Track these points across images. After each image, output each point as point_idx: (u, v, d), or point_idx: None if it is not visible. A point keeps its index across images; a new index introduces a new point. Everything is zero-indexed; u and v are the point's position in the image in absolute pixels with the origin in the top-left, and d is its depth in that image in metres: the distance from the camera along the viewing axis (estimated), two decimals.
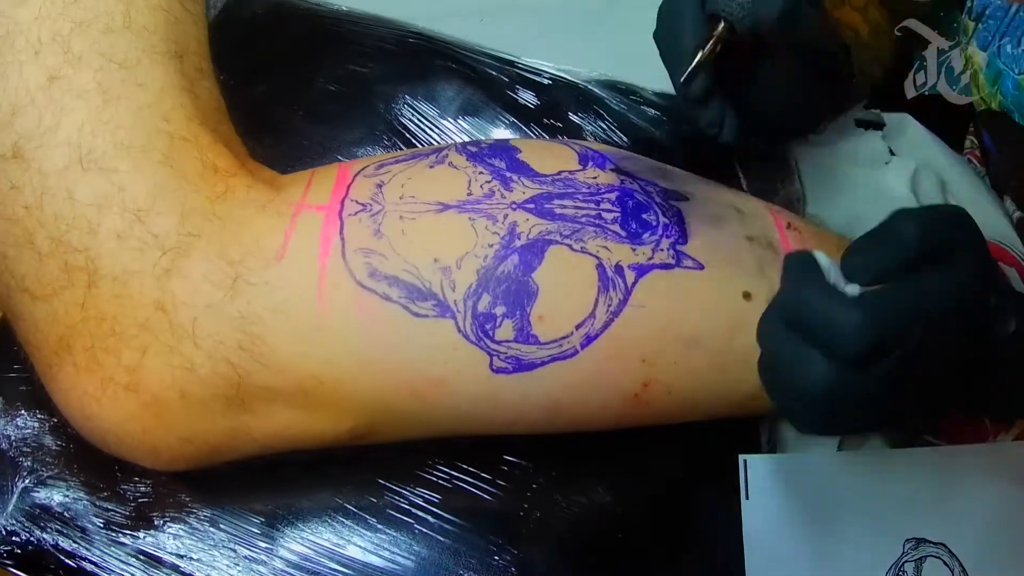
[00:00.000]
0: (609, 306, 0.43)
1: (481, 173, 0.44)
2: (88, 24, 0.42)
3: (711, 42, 0.43)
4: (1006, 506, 0.49)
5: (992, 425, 0.52)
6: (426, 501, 0.50)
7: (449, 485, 0.50)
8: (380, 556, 0.49)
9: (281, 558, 0.48)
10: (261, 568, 0.48)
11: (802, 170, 0.60)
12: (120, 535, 0.48)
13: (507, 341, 0.42)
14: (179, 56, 0.44)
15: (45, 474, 0.49)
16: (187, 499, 0.49)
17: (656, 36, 0.47)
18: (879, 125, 0.62)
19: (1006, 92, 0.48)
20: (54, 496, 0.49)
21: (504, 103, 0.60)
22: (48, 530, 0.48)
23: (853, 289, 0.36)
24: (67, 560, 0.48)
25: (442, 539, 0.49)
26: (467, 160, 0.45)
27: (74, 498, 0.49)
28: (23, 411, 0.51)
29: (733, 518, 0.47)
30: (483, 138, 0.60)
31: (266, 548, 0.48)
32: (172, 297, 0.40)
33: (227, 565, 0.48)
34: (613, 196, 0.45)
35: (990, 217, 0.58)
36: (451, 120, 0.60)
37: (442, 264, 0.42)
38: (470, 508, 0.50)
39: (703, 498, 0.52)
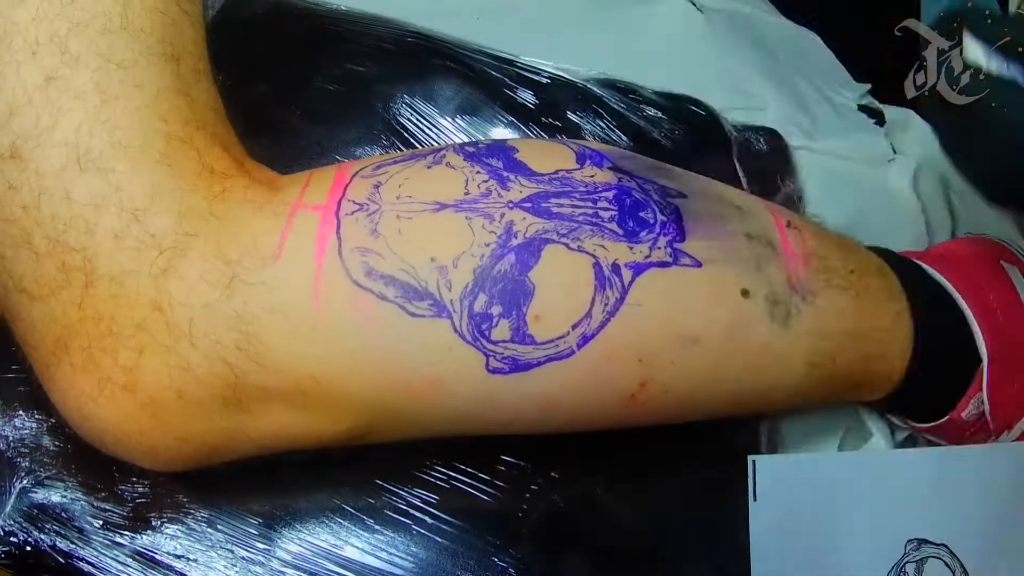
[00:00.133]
0: (606, 305, 0.42)
1: (478, 172, 0.44)
2: (86, 25, 0.41)
3: None
4: (1008, 507, 0.49)
5: (994, 426, 0.52)
6: (424, 502, 0.50)
7: (447, 486, 0.50)
8: (378, 557, 0.49)
9: (279, 559, 0.48)
10: (258, 569, 0.48)
11: (802, 168, 0.60)
12: (117, 536, 0.48)
13: (503, 341, 0.41)
14: (176, 59, 0.44)
15: (43, 475, 0.49)
16: (184, 500, 0.49)
17: None
18: (880, 114, 0.62)
19: None
20: (52, 497, 0.49)
21: (503, 102, 0.60)
22: (46, 531, 0.48)
23: None
24: (64, 560, 0.48)
25: (440, 540, 0.49)
26: (464, 160, 0.45)
27: (72, 499, 0.49)
28: (21, 411, 0.51)
29: (733, 518, 0.47)
30: (482, 137, 0.59)
31: (264, 549, 0.48)
32: (169, 297, 0.40)
33: (224, 566, 0.48)
34: (610, 194, 0.45)
35: (992, 216, 0.58)
36: (450, 119, 0.60)
37: (439, 263, 0.41)
38: (468, 509, 0.50)
39: (703, 498, 0.52)
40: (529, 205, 0.44)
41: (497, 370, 0.42)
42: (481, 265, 0.42)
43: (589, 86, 0.61)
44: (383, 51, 0.62)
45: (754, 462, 0.47)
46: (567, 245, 0.43)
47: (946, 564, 0.47)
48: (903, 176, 0.60)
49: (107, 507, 0.49)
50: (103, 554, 0.48)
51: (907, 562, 0.47)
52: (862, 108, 0.63)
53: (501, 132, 0.60)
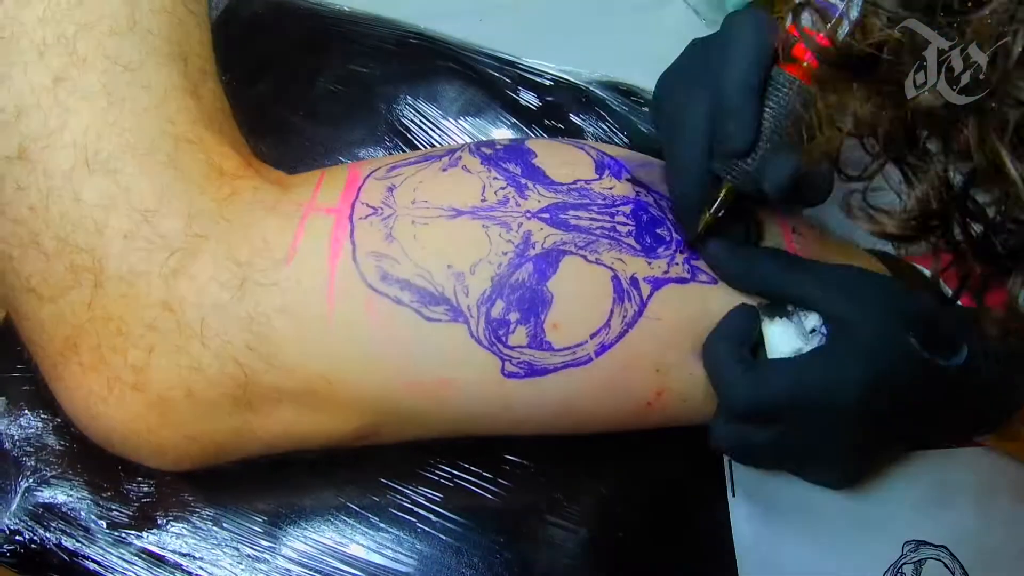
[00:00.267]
0: (624, 317, 0.43)
1: (496, 179, 0.45)
2: (92, 26, 0.41)
3: (716, 205, 0.43)
4: (1008, 509, 0.49)
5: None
6: (428, 500, 0.50)
7: (451, 484, 0.50)
8: (382, 555, 0.49)
9: (284, 557, 0.49)
10: (264, 567, 0.48)
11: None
12: (123, 534, 0.48)
13: (520, 347, 0.42)
14: (183, 59, 0.44)
15: (48, 474, 0.49)
16: (190, 498, 0.49)
17: (662, 140, 0.47)
18: None
19: None
20: (57, 496, 0.49)
21: (506, 104, 0.61)
22: (51, 529, 0.48)
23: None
24: (70, 559, 0.48)
25: (444, 538, 0.49)
26: (481, 164, 0.45)
27: (77, 498, 0.49)
28: (27, 411, 0.51)
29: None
30: (485, 139, 0.60)
31: (269, 547, 0.49)
32: (180, 297, 0.40)
33: (230, 564, 0.48)
34: (628, 209, 0.46)
35: None
36: (452, 121, 0.60)
37: (455, 270, 0.42)
38: (472, 507, 0.50)
39: (705, 498, 0.52)
40: (547, 216, 0.44)
41: (513, 374, 0.42)
42: (499, 273, 0.42)
43: (591, 88, 0.62)
44: (386, 52, 0.62)
45: (730, 460, 0.47)
46: (585, 257, 0.43)
47: (946, 566, 0.48)
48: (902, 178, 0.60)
49: (113, 506, 0.49)
50: (108, 552, 0.48)
51: (904, 563, 0.48)
52: None
53: (504, 133, 0.60)
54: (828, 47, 0.35)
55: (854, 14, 0.36)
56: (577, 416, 0.45)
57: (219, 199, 0.42)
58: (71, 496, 0.49)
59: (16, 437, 0.50)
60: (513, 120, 0.60)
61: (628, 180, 0.47)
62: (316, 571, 0.48)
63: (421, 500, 0.50)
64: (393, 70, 0.62)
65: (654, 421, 0.47)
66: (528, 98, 0.61)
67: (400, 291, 0.41)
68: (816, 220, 0.59)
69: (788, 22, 0.40)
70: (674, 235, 0.46)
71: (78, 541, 0.48)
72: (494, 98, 0.61)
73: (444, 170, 0.45)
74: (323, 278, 0.41)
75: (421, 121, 0.60)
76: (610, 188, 0.46)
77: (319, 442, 0.45)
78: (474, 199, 0.44)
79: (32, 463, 0.50)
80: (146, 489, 0.49)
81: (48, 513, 0.49)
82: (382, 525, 0.49)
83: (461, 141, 0.60)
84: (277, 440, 0.44)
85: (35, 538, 0.48)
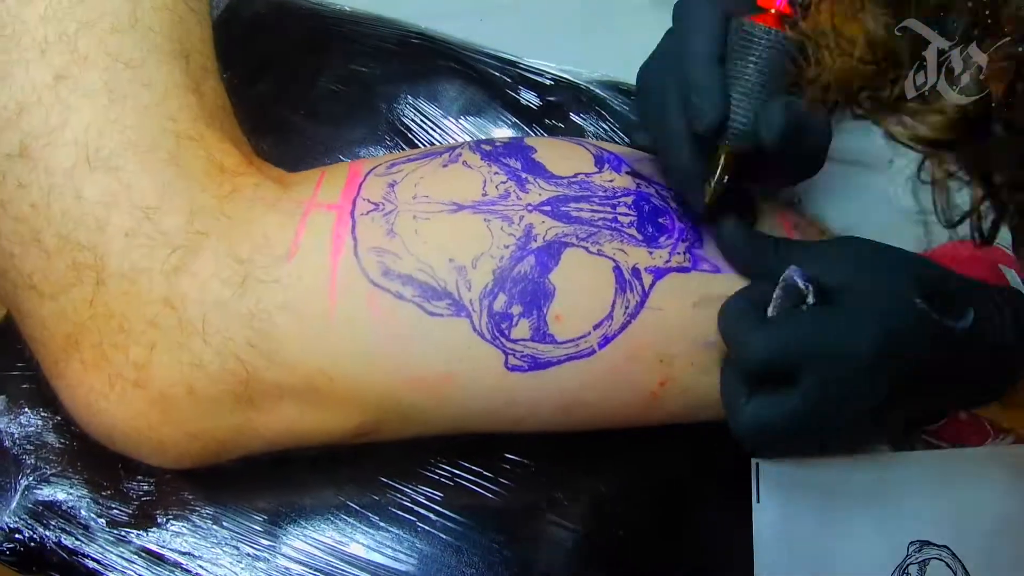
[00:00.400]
0: (627, 308, 0.43)
1: (496, 173, 0.45)
2: (94, 24, 0.42)
3: (718, 173, 0.42)
4: (1009, 508, 0.49)
5: (992, 428, 0.52)
6: (428, 499, 0.50)
7: (451, 483, 0.50)
8: (382, 554, 0.49)
9: (284, 555, 0.48)
10: (264, 565, 0.48)
11: None
12: (123, 533, 0.48)
13: (523, 340, 0.42)
14: (184, 56, 0.44)
15: (48, 472, 0.49)
16: (190, 497, 0.49)
17: (651, 128, 0.47)
18: None
19: None
20: (57, 494, 0.49)
21: (506, 103, 0.61)
22: (51, 528, 0.48)
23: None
24: (70, 558, 0.48)
25: (444, 537, 0.49)
26: (482, 160, 0.46)
27: (77, 496, 0.49)
28: (26, 409, 0.51)
29: (736, 517, 0.47)
30: (486, 138, 0.60)
31: (269, 546, 0.49)
32: (181, 294, 0.40)
33: (230, 563, 0.48)
34: (629, 200, 0.46)
35: None
36: (453, 120, 0.60)
37: (457, 264, 0.42)
38: (472, 506, 0.50)
39: (706, 497, 0.52)
40: (548, 208, 0.44)
41: (516, 367, 0.42)
42: (501, 266, 0.42)
43: (592, 87, 0.62)
44: (387, 52, 0.62)
45: (757, 465, 0.47)
46: (587, 249, 0.43)
47: (948, 565, 0.48)
48: (902, 179, 0.60)
49: (112, 504, 0.49)
50: (108, 551, 0.48)
51: (910, 563, 0.48)
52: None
53: (505, 133, 0.60)
54: None
55: None
56: (580, 410, 0.45)
57: (220, 196, 0.42)
58: (71, 494, 0.49)
59: (16, 435, 0.50)
60: (514, 119, 0.60)
61: (628, 172, 0.47)
62: (316, 570, 0.48)
63: (421, 499, 0.50)
64: (394, 70, 0.62)
65: (657, 415, 0.47)
66: (529, 97, 0.61)
67: (402, 286, 0.42)
68: (817, 216, 0.59)
69: None
70: (676, 224, 0.46)
71: (78, 539, 0.48)
72: (494, 97, 0.61)
73: (445, 166, 0.45)
74: (325, 274, 0.41)
75: (422, 120, 0.60)
76: (611, 180, 0.46)
77: (320, 439, 0.45)
78: (475, 194, 0.44)
79: (32, 461, 0.50)
80: (146, 487, 0.49)
81: (48, 511, 0.49)
82: (382, 524, 0.49)
83: (462, 140, 0.60)
84: (278, 437, 0.44)
85: (35, 536, 0.48)
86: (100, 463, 0.49)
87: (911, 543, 0.48)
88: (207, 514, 0.49)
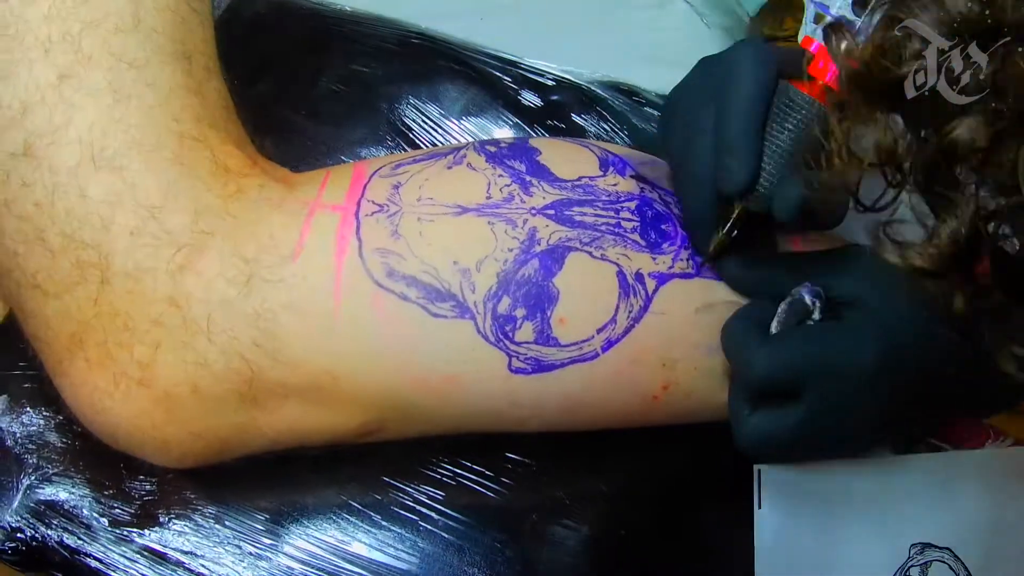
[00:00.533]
0: (630, 312, 0.43)
1: (500, 176, 0.45)
2: (98, 24, 0.42)
3: (728, 226, 0.43)
4: (1010, 510, 0.49)
5: (993, 433, 0.52)
6: (430, 498, 0.50)
7: (453, 482, 0.50)
8: (385, 553, 0.49)
9: (286, 554, 0.49)
10: (266, 564, 0.48)
11: None
12: (125, 532, 0.48)
13: (527, 343, 0.42)
14: (187, 57, 0.44)
15: (50, 471, 0.49)
16: (192, 496, 0.49)
17: (673, 168, 0.47)
18: None
19: None
20: (59, 493, 0.49)
21: (507, 104, 0.61)
22: (53, 527, 0.48)
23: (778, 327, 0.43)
24: (71, 557, 0.48)
25: (446, 536, 0.49)
26: (486, 161, 0.46)
27: (79, 495, 0.49)
28: (28, 408, 0.51)
29: (737, 517, 0.48)
30: (489, 138, 0.60)
31: (271, 545, 0.49)
32: (186, 293, 0.40)
33: (232, 562, 0.48)
34: (632, 205, 0.46)
35: None
36: (455, 121, 0.60)
37: (461, 266, 0.42)
38: (474, 505, 0.50)
39: (708, 496, 0.52)
40: (552, 212, 0.44)
41: (520, 370, 0.43)
42: (504, 269, 0.42)
43: (593, 88, 0.62)
44: (388, 52, 0.62)
45: (759, 471, 0.47)
46: (590, 253, 0.44)
47: (950, 567, 0.48)
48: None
49: (114, 504, 0.49)
50: (110, 550, 0.48)
51: (912, 565, 0.48)
52: None
53: (506, 133, 0.60)
54: (858, 70, 0.34)
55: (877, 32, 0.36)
56: (583, 412, 0.45)
57: (225, 196, 0.42)
58: (73, 494, 0.49)
59: (18, 434, 0.50)
60: (515, 120, 0.60)
61: (632, 177, 0.47)
62: (318, 569, 0.48)
63: (423, 498, 0.50)
64: (395, 70, 0.62)
65: (659, 417, 0.47)
66: (530, 98, 0.61)
67: (406, 287, 0.42)
68: None
69: (802, 36, 0.40)
70: (679, 230, 0.46)
71: (80, 539, 0.48)
72: (496, 98, 0.61)
73: (449, 168, 0.45)
74: (329, 275, 0.41)
75: (423, 121, 0.60)
76: (614, 184, 0.46)
77: (324, 438, 0.45)
78: (479, 196, 0.44)
79: (34, 460, 0.50)
80: (148, 487, 0.49)
81: (50, 511, 0.49)
82: (384, 523, 0.49)
83: (463, 141, 0.60)
84: (282, 436, 0.44)
85: (37, 535, 0.48)
86: (102, 462, 0.49)
87: (913, 545, 0.48)
88: (209, 513, 0.49)
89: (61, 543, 0.48)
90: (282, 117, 0.60)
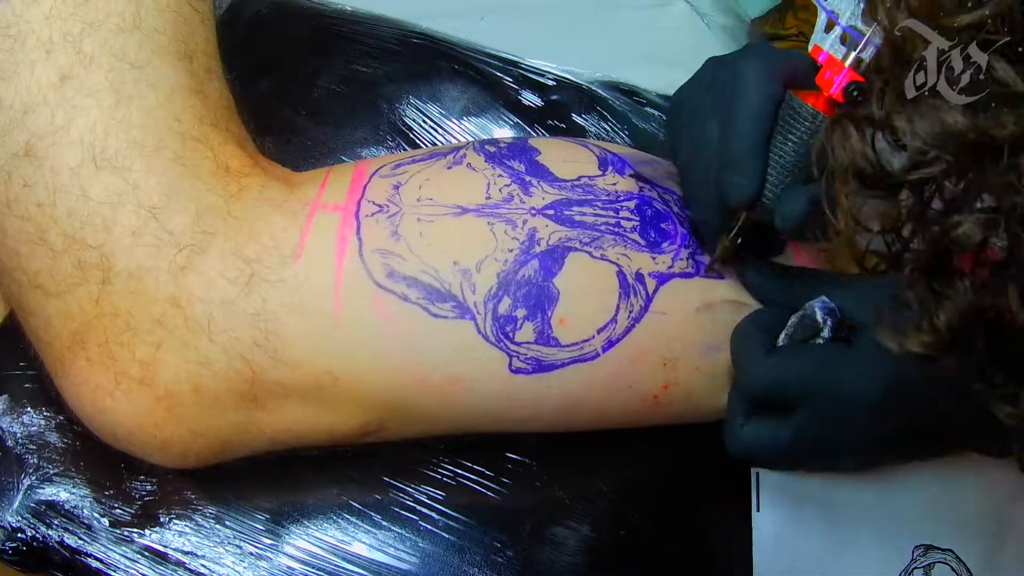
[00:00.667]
0: (631, 312, 0.43)
1: (500, 176, 0.45)
2: (99, 25, 0.42)
3: (733, 233, 0.44)
4: (1012, 510, 0.49)
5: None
6: (430, 498, 0.50)
7: (453, 483, 0.51)
8: (385, 553, 0.49)
9: (286, 554, 0.49)
10: (266, 564, 0.48)
11: None
12: (125, 532, 0.48)
13: (527, 343, 0.42)
14: (189, 57, 0.44)
15: (51, 471, 0.49)
16: (192, 496, 0.49)
17: (682, 176, 0.47)
18: None
19: None
20: (59, 493, 0.49)
21: (508, 104, 0.61)
22: (53, 527, 0.48)
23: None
24: (72, 557, 0.48)
25: (446, 536, 0.49)
26: (486, 161, 0.46)
27: (80, 495, 0.49)
28: (29, 408, 0.51)
29: (737, 517, 0.48)
30: (489, 138, 0.60)
31: (271, 545, 0.49)
32: (188, 293, 0.40)
33: (232, 562, 0.48)
34: (632, 204, 0.46)
35: None
36: (455, 120, 0.60)
37: (462, 267, 0.42)
38: (474, 505, 0.50)
39: (708, 496, 0.52)
40: (552, 212, 0.44)
41: (520, 370, 0.43)
42: (505, 270, 0.42)
43: (593, 88, 0.62)
44: (388, 52, 0.62)
45: (757, 475, 0.48)
46: (590, 253, 0.44)
47: (952, 569, 0.48)
48: None
49: (115, 504, 0.49)
50: (111, 550, 0.48)
51: (915, 567, 0.48)
52: None
53: (506, 133, 0.60)
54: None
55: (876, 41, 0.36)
56: (583, 412, 0.45)
57: (227, 196, 0.42)
58: (73, 494, 0.49)
59: (18, 434, 0.50)
60: (516, 120, 0.60)
61: (632, 176, 0.47)
62: (318, 569, 0.48)
63: (423, 498, 0.50)
64: (395, 70, 0.62)
65: (659, 418, 0.47)
66: (530, 98, 0.61)
67: (407, 288, 0.42)
68: None
69: (812, 45, 0.40)
70: (679, 229, 0.46)
71: (80, 539, 0.48)
72: (496, 98, 0.61)
73: (449, 168, 0.46)
74: (330, 275, 0.41)
75: (423, 121, 0.60)
76: (614, 184, 0.46)
77: (324, 438, 0.45)
78: (479, 197, 0.44)
79: (34, 460, 0.50)
80: (148, 487, 0.49)
81: (50, 511, 0.49)
82: (384, 523, 0.49)
83: (463, 141, 0.60)
84: (282, 436, 0.44)
85: (37, 536, 0.48)
86: (103, 463, 0.49)
87: (916, 548, 0.48)
88: (209, 513, 0.49)
89: (62, 543, 0.48)
90: (283, 117, 0.60)
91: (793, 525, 0.48)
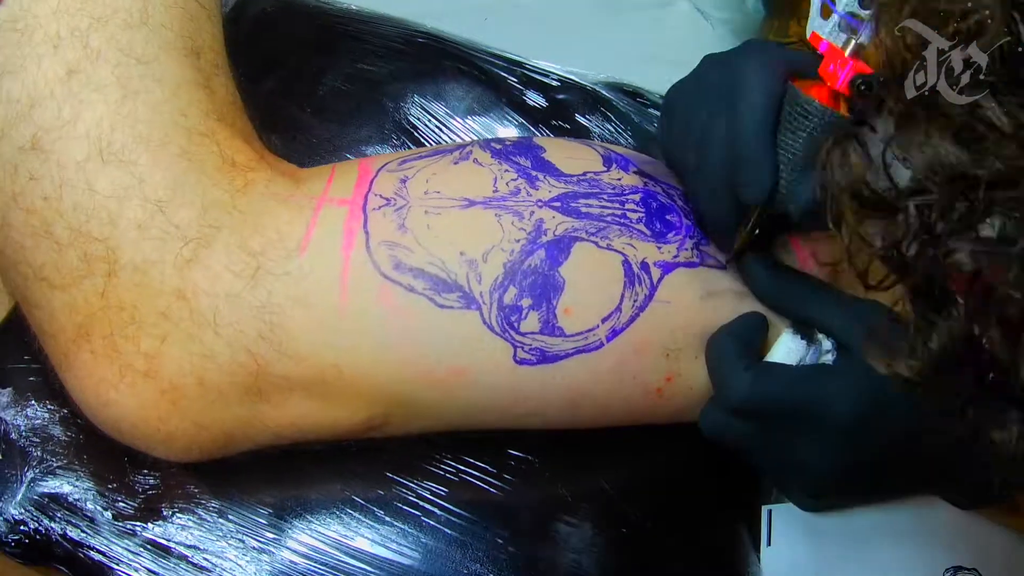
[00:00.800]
0: (635, 301, 0.44)
1: (507, 171, 0.45)
2: (106, 20, 0.42)
3: (750, 225, 0.44)
4: None
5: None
6: (433, 494, 0.50)
7: (456, 479, 0.51)
8: (388, 548, 0.49)
9: (289, 549, 0.49)
10: (269, 559, 0.48)
11: None
12: (128, 526, 0.48)
13: (532, 333, 0.42)
14: (195, 52, 0.45)
15: (54, 464, 0.50)
16: (196, 490, 0.49)
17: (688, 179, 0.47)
18: None
19: None
20: (63, 486, 0.49)
21: (512, 104, 0.61)
22: (56, 520, 0.48)
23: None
24: (75, 550, 0.48)
25: (449, 532, 0.50)
26: (492, 157, 0.46)
27: (83, 488, 0.49)
28: (33, 401, 0.51)
29: (738, 515, 0.48)
30: (494, 137, 0.60)
31: (274, 539, 0.49)
32: (193, 286, 0.41)
33: (235, 556, 0.48)
34: (637, 197, 0.46)
35: None
36: (460, 120, 0.61)
37: (468, 257, 0.42)
38: (476, 501, 0.50)
39: (709, 494, 0.52)
40: (559, 204, 0.45)
41: (525, 361, 0.43)
42: (511, 260, 0.43)
43: (598, 89, 0.62)
44: (394, 51, 0.62)
45: (770, 512, 0.48)
46: (596, 243, 0.44)
47: None
48: None
49: (118, 497, 0.49)
50: (113, 543, 0.48)
51: None
52: None
53: (511, 133, 0.60)
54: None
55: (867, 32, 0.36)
56: (587, 406, 0.46)
57: (232, 191, 0.42)
58: (76, 487, 0.49)
59: (22, 427, 0.50)
60: (520, 120, 0.61)
61: (635, 172, 0.48)
62: (321, 564, 0.48)
63: (427, 494, 0.50)
64: (400, 69, 0.62)
65: (662, 412, 0.47)
66: (535, 98, 0.61)
67: (413, 279, 0.42)
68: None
69: (810, 31, 0.40)
70: (683, 221, 0.46)
71: (83, 532, 0.48)
72: (501, 97, 0.61)
73: (455, 163, 0.46)
74: (337, 268, 0.42)
75: (428, 120, 0.60)
76: (619, 179, 0.47)
77: (328, 432, 0.45)
78: (486, 190, 0.44)
79: (38, 453, 0.50)
80: (151, 481, 0.49)
81: (53, 503, 0.49)
82: (387, 518, 0.50)
83: (468, 140, 0.60)
84: (287, 430, 0.45)
85: (40, 528, 0.48)
86: (106, 456, 0.49)
87: (947, 570, 0.48)
88: (213, 507, 0.49)
89: (64, 536, 0.48)
90: (288, 115, 0.61)
91: (807, 557, 0.48)
